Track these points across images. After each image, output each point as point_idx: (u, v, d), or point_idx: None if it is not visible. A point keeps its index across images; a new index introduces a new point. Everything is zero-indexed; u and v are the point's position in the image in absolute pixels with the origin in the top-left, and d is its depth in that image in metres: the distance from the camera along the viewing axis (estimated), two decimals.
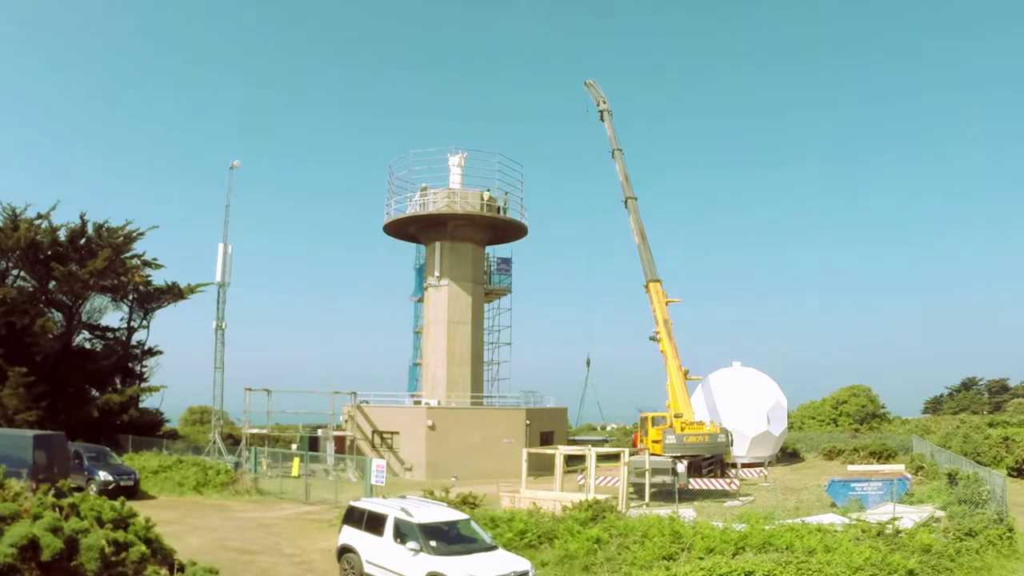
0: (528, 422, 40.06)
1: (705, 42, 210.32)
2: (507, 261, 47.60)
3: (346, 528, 16.91)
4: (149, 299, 46.20)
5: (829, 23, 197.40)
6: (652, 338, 35.74)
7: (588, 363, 42.85)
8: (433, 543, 14.96)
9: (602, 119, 41.18)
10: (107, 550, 9.25)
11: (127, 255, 44.43)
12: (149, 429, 42.97)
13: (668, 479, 29.12)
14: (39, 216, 41.56)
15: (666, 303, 35.75)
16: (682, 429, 32.01)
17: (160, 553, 10.44)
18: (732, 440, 34.84)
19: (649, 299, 36.28)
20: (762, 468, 36.67)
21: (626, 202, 38.63)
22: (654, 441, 32.88)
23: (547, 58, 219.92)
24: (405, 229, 45.24)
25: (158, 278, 46.44)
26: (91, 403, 41.11)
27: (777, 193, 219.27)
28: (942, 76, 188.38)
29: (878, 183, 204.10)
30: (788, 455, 45.18)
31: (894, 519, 18.64)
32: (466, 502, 21.86)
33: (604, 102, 41.21)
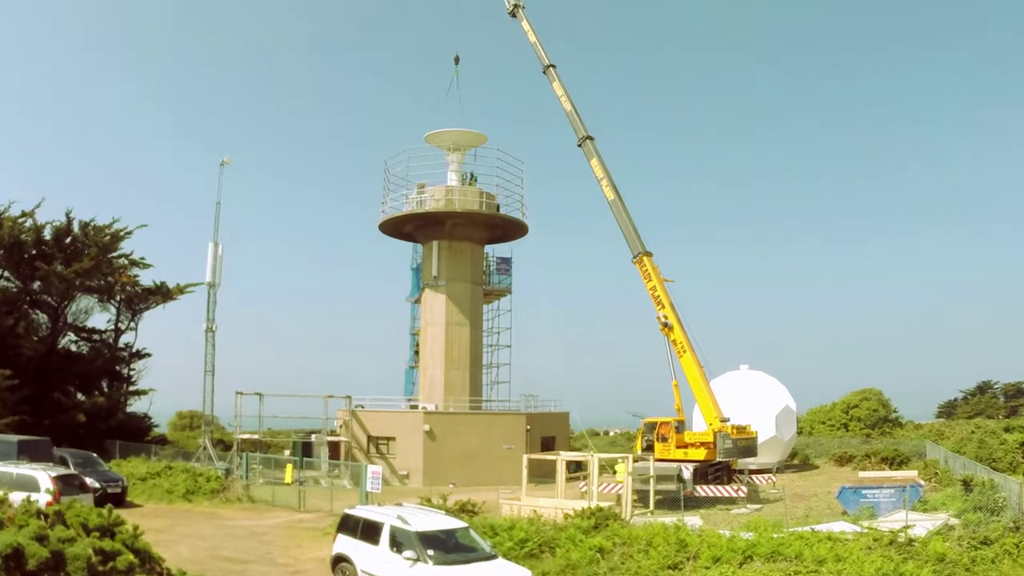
0: (528, 427, 39.64)
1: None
2: (507, 261, 47.05)
3: (340, 537, 16.63)
4: (137, 300, 45.77)
5: None
6: (664, 323, 31.35)
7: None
8: (431, 552, 14.66)
9: (514, 15, 35.53)
10: (94, 559, 9.19)
11: (114, 254, 44.00)
12: (137, 434, 42.42)
13: (673, 486, 28.65)
14: (23, 214, 41.11)
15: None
16: (735, 432, 30.65)
17: (148, 562, 10.39)
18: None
19: (644, 275, 31.84)
20: (770, 474, 36.08)
21: (581, 143, 33.37)
22: (679, 447, 31.39)
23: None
24: (402, 228, 44.83)
25: (146, 278, 46.14)
26: (77, 407, 40.48)
27: (781, 192, 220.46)
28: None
29: (882, 184, 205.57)
30: (797, 461, 44.80)
31: (907, 527, 18.29)
32: (464, 510, 21.54)
33: None
